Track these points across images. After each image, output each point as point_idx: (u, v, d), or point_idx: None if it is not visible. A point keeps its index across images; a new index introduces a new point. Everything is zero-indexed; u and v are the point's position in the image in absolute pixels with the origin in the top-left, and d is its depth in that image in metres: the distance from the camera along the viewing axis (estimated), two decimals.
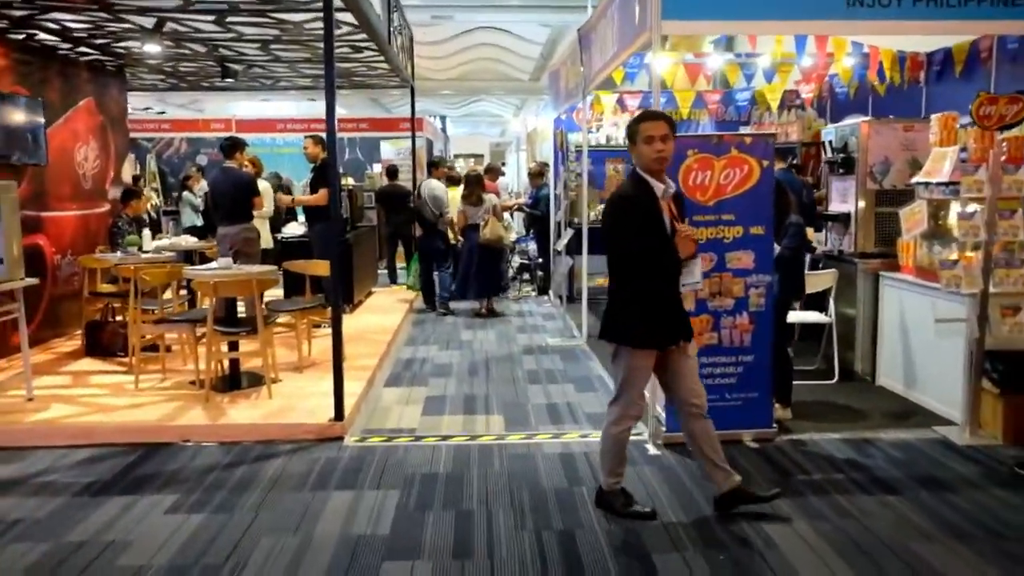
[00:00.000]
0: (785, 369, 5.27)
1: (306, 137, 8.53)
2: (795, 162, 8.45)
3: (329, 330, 8.00)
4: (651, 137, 3.62)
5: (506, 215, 11.45)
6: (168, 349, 6.63)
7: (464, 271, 9.45)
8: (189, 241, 8.22)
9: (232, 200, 7.42)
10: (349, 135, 15.74)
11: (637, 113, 3.92)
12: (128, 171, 9.54)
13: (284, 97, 24.79)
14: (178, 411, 5.35)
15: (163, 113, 16.82)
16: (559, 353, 7.56)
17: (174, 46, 7.74)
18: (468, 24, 19.34)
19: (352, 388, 5.77)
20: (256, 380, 5.93)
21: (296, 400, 5.60)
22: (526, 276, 11.85)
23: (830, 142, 6.72)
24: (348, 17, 6.37)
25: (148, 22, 6.55)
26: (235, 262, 7.32)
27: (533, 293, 11.44)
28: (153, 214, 12.56)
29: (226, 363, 6.06)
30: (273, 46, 7.80)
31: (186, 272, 5.83)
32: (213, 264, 6.10)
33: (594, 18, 6.96)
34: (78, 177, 8.28)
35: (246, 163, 7.91)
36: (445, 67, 24.29)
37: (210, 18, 6.34)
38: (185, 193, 12.20)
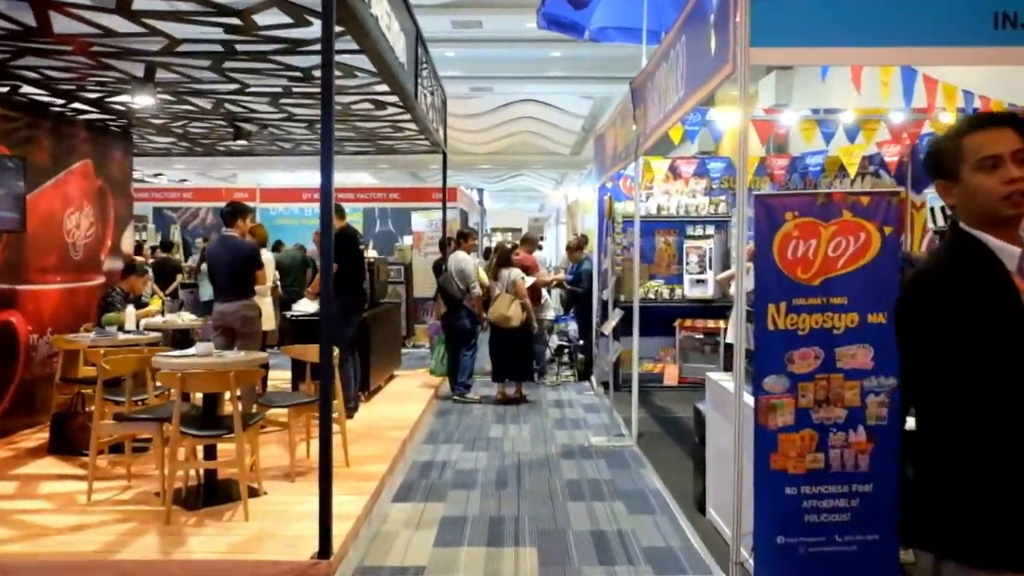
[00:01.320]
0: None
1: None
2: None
3: (347, 423, 7.02)
4: (995, 159, 1.82)
5: (544, 292, 10.37)
6: (144, 449, 5.57)
7: (490, 353, 8.51)
8: (186, 319, 7.25)
9: (230, 273, 6.48)
10: (380, 206, 14.94)
11: (962, 120, 1.96)
12: (129, 241, 8.68)
13: (312, 165, 24.45)
14: (126, 538, 4.24)
15: (184, 181, 16.26)
16: (605, 456, 6.36)
17: (175, 100, 6.91)
18: (508, 96, 18.81)
19: (349, 507, 4.63)
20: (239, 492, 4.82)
21: (278, 524, 4.47)
22: (565, 359, 10.68)
23: (942, 208, 5.59)
24: (364, 62, 5.47)
25: (138, 70, 5.71)
26: (234, 344, 6.39)
27: (572, 379, 10.26)
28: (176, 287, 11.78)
29: (202, 471, 4.98)
30: (284, 100, 6.93)
31: (153, 360, 4.80)
32: (190, 350, 5.07)
33: (650, 65, 5.98)
34: (66, 246, 7.41)
35: (247, 232, 6.99)
36: (484, 140, 23.75)
37: (204, 63, 5.48)
38: (203, 265, 11.34)
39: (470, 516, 4.94)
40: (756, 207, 3.55)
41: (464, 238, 8.89)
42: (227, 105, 7.12)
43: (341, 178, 17.70)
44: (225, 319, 6.48)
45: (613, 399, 8.16)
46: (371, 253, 10.26)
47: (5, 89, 6.41)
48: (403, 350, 12.45)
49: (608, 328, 6.77)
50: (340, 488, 5.03)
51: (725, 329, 8.48)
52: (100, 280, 7.91)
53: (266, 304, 7.64)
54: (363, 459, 5.80)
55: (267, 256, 7.52)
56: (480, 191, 23.02)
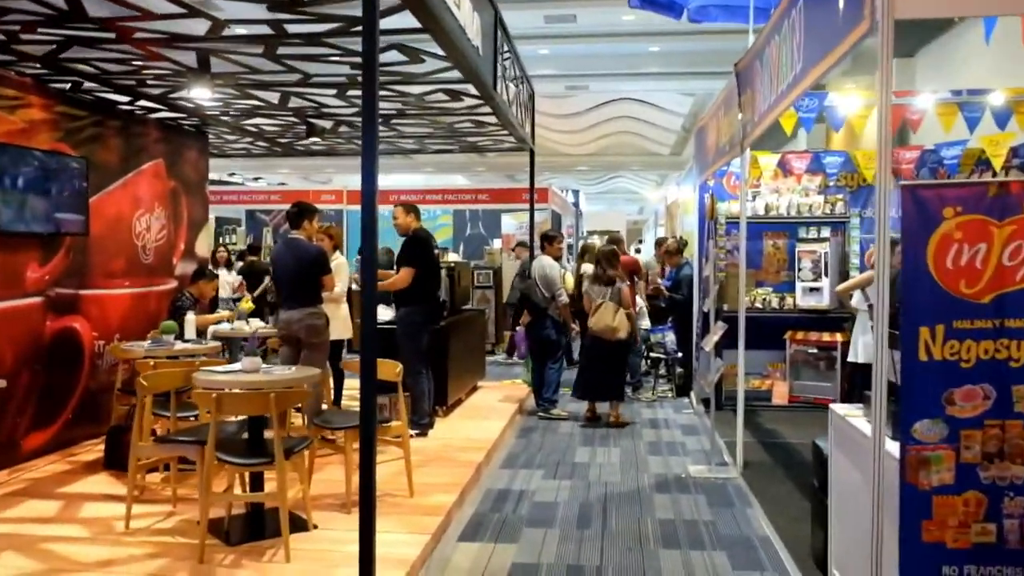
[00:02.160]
0: None
1: (396, 206, 7.06)
2: None
3: (418, 442, 6.48)
4: None
5: (639, 300, 9.58)
6: (193, 469, 5.14)
7: (580, 367, 7.85)
8: (253, 326, 6.86)
9: (295, 278, 6.02)
10: (470, 207, 14.44)
11: None
12: (205, 244, 8.40)
13: (407, 167, 24.26)
14: None
15: (283, 185, 16.16)
16: (704, 490, 5.57)
17: (239, 95, 6.52)
18: (605, 95, 18.08)
19: (405, 549, 4.05)
20: (290, 524, 4.29)
21: (321, 567, 3.91)
22: (662, 371, 9.84)
23: None
24: (434, 47, 4.88)
25: (191, 60, 5.30)
26: (299, 356, 5.93)
27: (670, 394, 9.43)
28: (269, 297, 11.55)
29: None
30: (351, 92, 6.43)
31: (193, 377, 4.32)
32: (235, 365, 4.59)
33: (759, 41, 5.17)
34: (136, 249, 7.14)
35: (318, 234, 6.53)
36: (581, 141, 23.04)
37: (257, 49, 5.00)
38: None
39: (544, 564, 4.25)
40: (904, 200, 2.75)
41: (549, 241, 8.20)
42: (294, 99, 6.68)
43: (431, 180, 17.35)
44: (290, 328, 6.02)
45: (715, 420, 7.31)
46: (452, 256, 9.74)
47: (66, 85, 6.14)
48: (491, 358, 11.93)
49: (709, 343, 5.96)
50: (399, 524, 4.50)
51: (844, 343, 7.52)
52: (172, 284, 7.62)
53: (341, 311, 7.19)
54: (430, 488, 5.21)
55: (339, 260, 7.06)
56: (575, 192, 22.30)
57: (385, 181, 17.34)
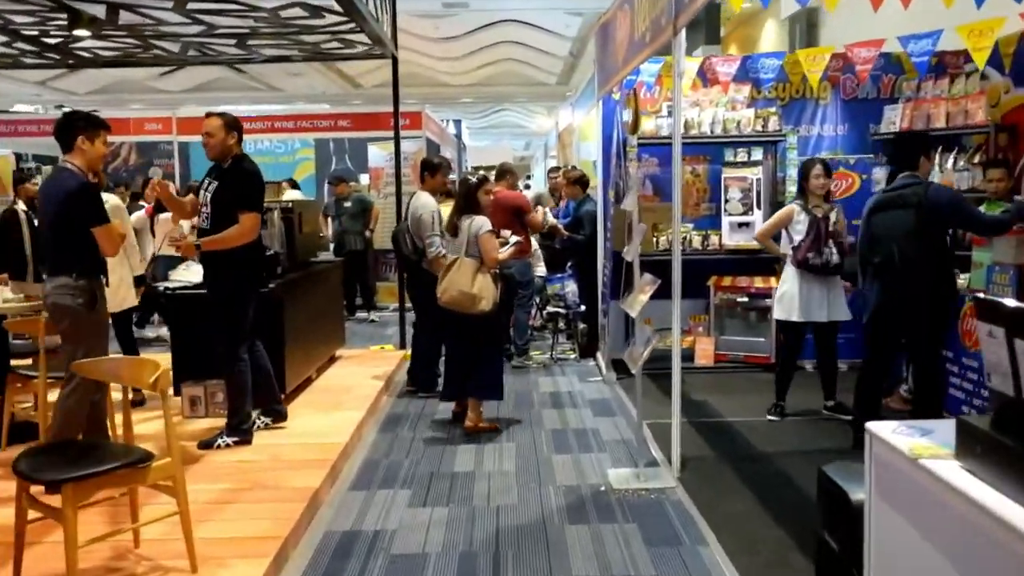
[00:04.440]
0: None
1: (208, 116, 4.91)
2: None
3: (235, 454, 4.62)
4: None
5: (533, 241, 7.87)
6: None
7: (445, 356, 5.77)
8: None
9: (49, 228, 4.04)
10: (332, 135, 12.28)
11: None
12: None
13: (278, 98, 21.56)
14: None
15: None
16: (635, 513, 3.97)
17: None
18: (486, 15, 16.25)
19: None
20: None
21: None
22: (561, 325, 8.19)
23: None
24: None
25: None
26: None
27: (572, 355, 7.84)
28: None
29: None
30: None
31: None
32: None
33: None
34: None
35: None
36: (462, 69, 20.96)
37: None
38: None
39: None
40: None
41: (431, 171, 6.27)
42: None
43: (289, 110, 14.99)
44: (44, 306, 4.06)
45: (627, 387, 5.73)
46: (292, 194, 7.72)
47: None
48: (359, 315, 10.07)
49: (635, 306, 4.28)
50: None
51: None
52: None
53: (121, 270, 5.18)
54: (231, 547, 3.39)
55: (114, 202, 5.00)
56: (457, 123, 20.30)
57: (234, 111, 14.86)
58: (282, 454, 4.67)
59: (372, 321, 10.05)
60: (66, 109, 4.25)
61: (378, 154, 11.22)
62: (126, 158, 13.97)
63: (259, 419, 5.10)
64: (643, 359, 4.15)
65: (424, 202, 6.08)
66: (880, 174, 6.92)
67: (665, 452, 4.69)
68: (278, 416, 5.17)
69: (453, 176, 10.33)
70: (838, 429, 5.15)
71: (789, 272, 5.47)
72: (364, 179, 11.70)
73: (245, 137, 4.95)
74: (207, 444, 4.76)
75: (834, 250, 5.25)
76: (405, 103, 12.25)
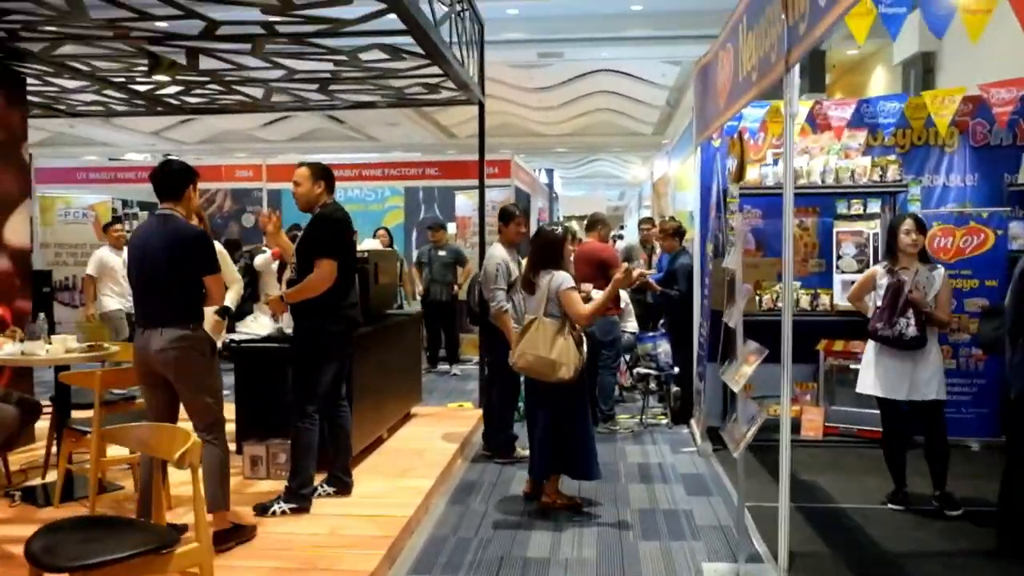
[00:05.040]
0: None
1: (299, 166, 4.71)
2: None
3: (288, 524, 4.22)
4: None
5: (624, 296, 7.38)
6: None
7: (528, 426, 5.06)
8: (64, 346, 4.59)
9: (163, 278, 3.94)
10: (421, 183, 12.11)
11: None
12: (22, 228, 6.05)
13: (375, 147, 21.84)
14: None
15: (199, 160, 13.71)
16: None
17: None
18: (581, 65, 16.09)
19: None
20: None
21: None
22: (652, 386, 7.59)
23: None
24: None
25: None
26: (170, 401, 3.72)
27: (664, 420, 7.25)
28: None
29: None
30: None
31: None
32: None
33: None
34: None
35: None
36: (556, 120, 20.84)
37: None
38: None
39: None
40: None
41: (505, 220, 5.90)
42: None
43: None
44: (148, 360, 3.88)
45: (741, 480, 5.11)
46: (371, 243, 7.46)
47: None
48: (439, 368, 9.74)
49: (738, 378, 3.72)
50: None
51: None
52: None
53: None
54: None
55: (218, 250, 4.78)
56: (549, 172, 20.04)
57: (329, 159, 14.97)
58: (341, 527, 4.27)
59: (454, 375, 9.70)
60: (170, 156, 4.22)
61: (465, 203, 10.97)
62: (220, 204, 14.17)
63: (322, 487, 4.73)
64: (746, 441, 3.57)
65: (492, 253, 5.69)
66: (1018, 229, 6.21)
67: (770, 544, 4.08)
68: (344, 488, 4.78)
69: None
70: (975, 525, 4.41)
71: (870, 342, 4.84)
72: (452, 228, 11.45)
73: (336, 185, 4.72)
74: (263, 509, 4.42)
75: (911, 321, 4.56)
76: (499, 152, 12.09)
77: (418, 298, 9.83)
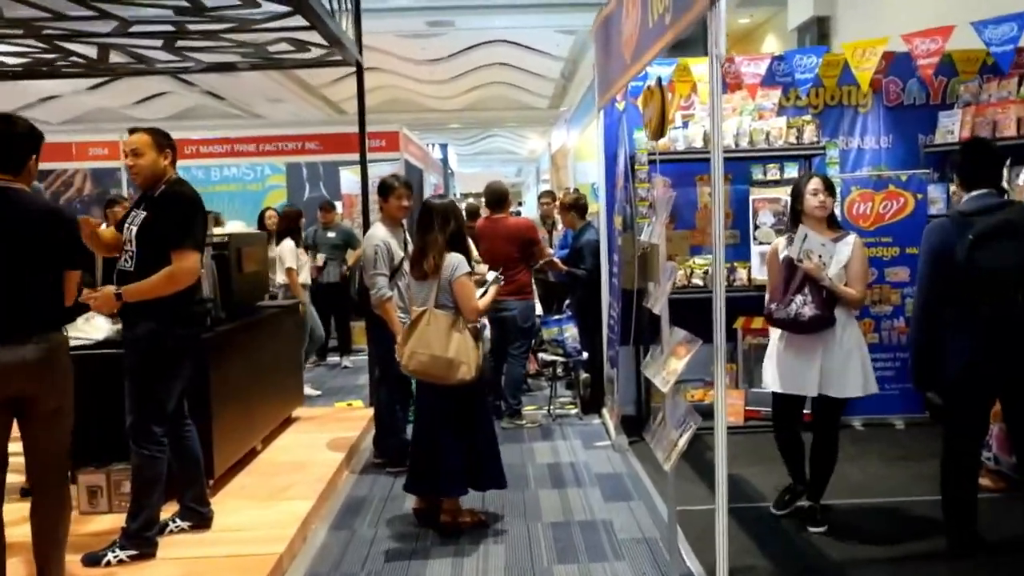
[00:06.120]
0: None
1: (132, 132, 3.79)
2: None
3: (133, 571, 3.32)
4: None
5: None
6: None
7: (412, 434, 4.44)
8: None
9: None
10: (303, 159, 11.13)
11: None
12: None
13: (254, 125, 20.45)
14: None
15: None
16: None
17: None
18: (473, 35, 15.42)
19: None
20: None
21: None
22: (558, 372, 7.01)
23: None
24: None
25: None
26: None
27: (573, 410, 6.68)
28: None
29: None
30: None
31: None
32: None
33: None
34: None
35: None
36: (450, 93, 20.04)
37: None
38: None
39: None
40: None
41: (385, 195, 5.10)
42: None
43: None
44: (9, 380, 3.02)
45: (649, 464, 4.56)
46: (233, 226, 6.56)
47: None
48: (329, 360, 8.93)
49: (668, 376, 3.09)
50: None
51: None
52: None
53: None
54: None
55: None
56: (443, 146, 19.25)
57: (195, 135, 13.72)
58: (197, 571, 3.49)
59: (345, 367, 8.89)
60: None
61: (351, 179, 10.10)
62: (80, 188, 12.79)
63: (173, 522, 3.92)
64: (679, 451, 2.98)
65: (371, 233, 4.92)
66: (936, 192, 5.89)
67: (704, 560, 3.53)
68: (201, 521, 3.98)
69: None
70: (923, 518, 4.00)
71: (771, 329, 4.16)
72: (339, 207, 10.55)
73: (207, 162, 3.87)
74: (93, 559, 3.58)
75: (808, 298, 3.77)
76: (386, 126, 11.25)
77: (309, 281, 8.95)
